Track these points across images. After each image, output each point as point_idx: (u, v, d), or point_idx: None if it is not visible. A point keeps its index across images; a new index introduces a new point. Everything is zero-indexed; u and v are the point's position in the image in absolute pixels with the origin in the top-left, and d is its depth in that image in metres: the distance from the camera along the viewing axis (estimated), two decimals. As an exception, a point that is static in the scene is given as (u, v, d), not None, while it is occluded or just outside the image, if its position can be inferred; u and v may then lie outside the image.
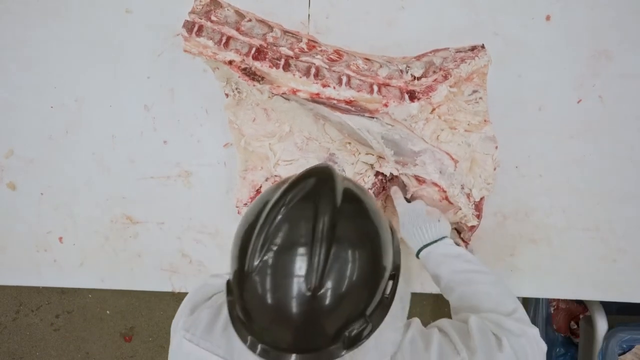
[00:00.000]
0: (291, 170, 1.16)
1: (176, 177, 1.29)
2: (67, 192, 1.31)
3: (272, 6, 1.23)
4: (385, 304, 0.77)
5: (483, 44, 1.09)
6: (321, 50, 1.06)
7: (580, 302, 1.73)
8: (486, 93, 1.10)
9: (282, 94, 1.05)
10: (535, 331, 0.91)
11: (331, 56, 1.05)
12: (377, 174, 1.15)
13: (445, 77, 1.04)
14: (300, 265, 0.68)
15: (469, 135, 1.09)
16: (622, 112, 1.25)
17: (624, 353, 1.47)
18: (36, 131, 1.30)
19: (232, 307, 0.77)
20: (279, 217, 0.71)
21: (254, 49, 1.02)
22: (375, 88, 1.03)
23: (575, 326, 1.73)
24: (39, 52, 1.29)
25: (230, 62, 1.02)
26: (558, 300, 1.74)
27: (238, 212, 1.20)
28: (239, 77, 1.02)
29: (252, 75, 1.02)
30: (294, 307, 0.69)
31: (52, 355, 2.32)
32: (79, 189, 1.31)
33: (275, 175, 1.18)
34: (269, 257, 0.69)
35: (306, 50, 1.05)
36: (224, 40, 1.02)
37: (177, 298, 1.40)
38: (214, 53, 1.02)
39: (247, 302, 0.72)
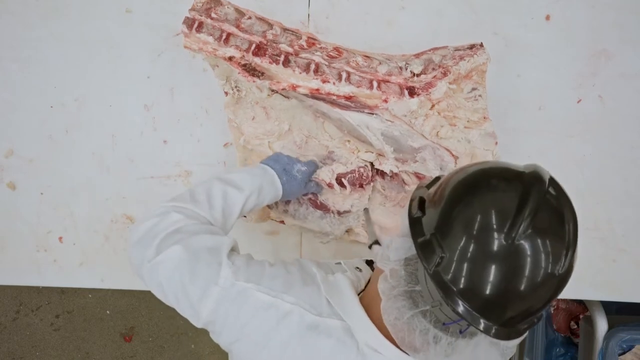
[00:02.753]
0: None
1: (176, 177, 1.29)
2: (67, 192, 1.31)
3: (272, 6, 1.23)
4: None
5: (482, 43, 1.09)
6: (321, 47, 1.06)
7: (580, 302, 1.73)
8: (485, 91, 1.10)
9: (282, 89, 1.05)
10: None
11: (331, 53, 1.06)
12: (363, 167, 1.15)
13: (445, 74, 1.04)
14: (557, 256, 0.68)
15: (468, 132, 1.09)
16: (622, 112, 1.25)
17: (624, 353, 1.47)
18: (36, 131, 1.30)
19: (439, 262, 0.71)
20: (547, 203, 0.70)
21: (253, 45, 1.03)
22: (375, 84, 1.03)
23: (575, 326, 1.73)
24: (39, 52, 1.29)
25: (230, 58, 1.03)
26: (558, 300, 1.74)
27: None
28: (238, 73, 1.02)
29: (252, 71, 1.02)
30: (530, 286, 0.68)
31: (52, 355, 2.31)
32: (79, 189, 1.31)
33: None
34: (533, 237, 0.68)
35: (306, 47, 1.06)
36: (224, 37, 1.03)
37: (177, 298, 1.39)
38: (214, 49, 1.03)
39: (480, 269, 0.68)
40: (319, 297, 0.83)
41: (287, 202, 1.19)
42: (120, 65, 1.28)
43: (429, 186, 0.79)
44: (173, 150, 1.29)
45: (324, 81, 1.01)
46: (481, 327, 0.69)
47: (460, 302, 0.69)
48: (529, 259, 0.68)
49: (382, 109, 1.04)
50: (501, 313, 0.70)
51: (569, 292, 1.29)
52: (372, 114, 1.05)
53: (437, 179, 0.80)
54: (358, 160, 1.15)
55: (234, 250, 0.91)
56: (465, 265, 0.69)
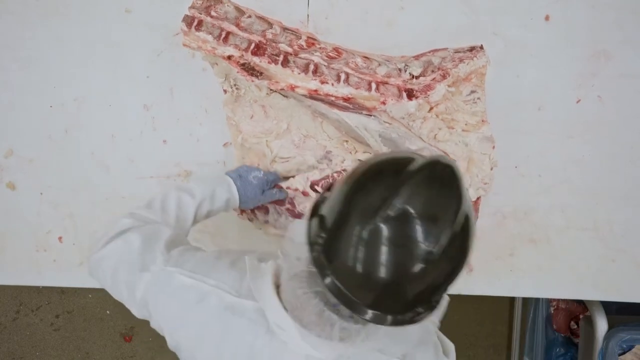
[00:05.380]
0: (288, 167, 1.16)
1: (176, 177, 1.29)
2: (67, 192, 1.31)
3: (272, 5, 1.23)
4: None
5: (482, 45, 1.09)
6: (320, 48, 1.06)
7: (580, 302, 1.72)
8: (484, 93, 1.10)
9: (280, 90, 1.05)
10: None
11: (330, 54, 1.06)
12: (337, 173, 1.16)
13: (444, 77, 1.04)
14: (429, 238, 0.67)
15: (466, 135, 1.10)
16: (621, 112, 1.25)
17: (624, 353, 1.47)
18: (36, 131, 1.30)
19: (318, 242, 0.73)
20: (425, 183, 0.68)
21: (253, 45, 1.03)
22: (374, 86, 1.03)
23: (575, 326, 1.73)
24: (39, 52, 1.29)
25: (229, 57, 1.03)
26: (558, 300, 1.74)
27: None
28: (237, 72, 1.02)
29: (250, 70, 1.02)
30: (406, 271, 0.68)
31: (52, 355, 2.31)
32: (79, 189, 1.31)
33: (274, 174, 1.19)
34: (404, 218, 0.67)
35: (305, 47, 1.06)
36: (223, 36, 1.03)
37: (176, 298, 1.39)
38: (213, 48, 1.03)
39: (352, 246, 0.69)
40: (242, 280, 0.85)
41: (267, 213, 1.20)
42: (120, 65, 1.28)
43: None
44: (173, 150, 1.29)
45: (322, 82, 1.01)
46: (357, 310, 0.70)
47: (331, 278, 0.70)
48: (387, 242, 0.67)
49: (380, 110, 1.04)
50: (377, 300, 0.70)
51: (569, 292, 1.30)
52: (370, 115, 1.05)
53: None
54: (344, 164, 1.15)
55: (178, 243, 0.94)
56: (339, 244, 0.70)
